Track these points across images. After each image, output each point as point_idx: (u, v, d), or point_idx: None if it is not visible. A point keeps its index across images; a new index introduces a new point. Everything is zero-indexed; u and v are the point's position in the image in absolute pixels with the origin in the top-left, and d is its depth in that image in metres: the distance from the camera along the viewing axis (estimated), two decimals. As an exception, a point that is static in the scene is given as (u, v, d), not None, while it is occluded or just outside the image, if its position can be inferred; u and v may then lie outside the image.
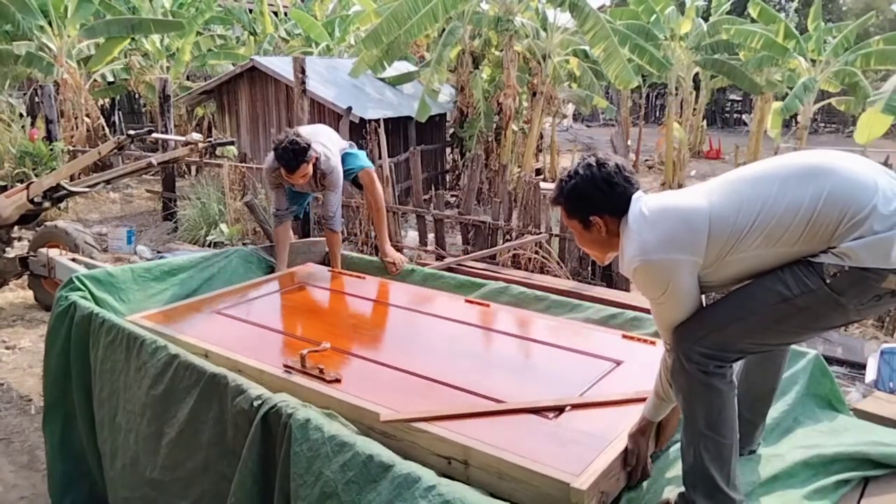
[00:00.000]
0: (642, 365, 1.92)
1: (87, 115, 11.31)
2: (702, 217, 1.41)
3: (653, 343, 2.06)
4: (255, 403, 1.60)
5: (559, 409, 1.68)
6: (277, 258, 3.16)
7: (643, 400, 1.69)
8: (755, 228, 1.37)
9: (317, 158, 2.98)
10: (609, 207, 1.51)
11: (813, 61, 11.05)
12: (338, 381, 1.83)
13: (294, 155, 2.85)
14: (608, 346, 2.06)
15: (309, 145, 2.90)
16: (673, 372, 1.49)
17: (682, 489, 1.52)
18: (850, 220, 1.31)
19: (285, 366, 1.91)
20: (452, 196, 9.93)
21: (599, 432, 1.58)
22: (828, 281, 1.33)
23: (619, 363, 1.94)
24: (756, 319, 1.40)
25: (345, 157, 3.32)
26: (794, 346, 2.01)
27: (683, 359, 1.44)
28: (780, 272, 1.39)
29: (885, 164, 5.03)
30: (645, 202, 1.49)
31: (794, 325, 1.41)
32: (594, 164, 1.52)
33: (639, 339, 2.10)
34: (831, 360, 3.85)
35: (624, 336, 2.13)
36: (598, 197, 1.50)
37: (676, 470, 1.64)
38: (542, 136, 12.47)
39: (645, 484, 1.60)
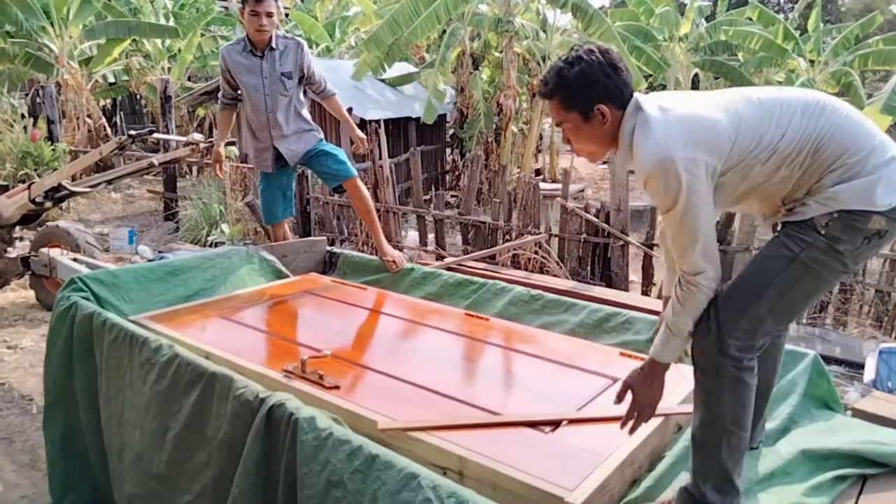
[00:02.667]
0: None
1: (89, 116, 11.34)
2: (724, 122, 1.40)
3: None
4: (261, 395, 1.62)
5: (555, 424, 1.68)
6: (219, 135, 3.38)
7: None
8: (777, 146, 1.40)
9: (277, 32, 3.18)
10: (614, 95, 1.44)
11: (812, 62, 11.07)
12: (337, 387, 1.84)
13: None
14: (605, 364, 2.06)
15: None
16: (703, 370, 1.48)
17: (685, 483, 1.52)
18: (847, 158, 1.38)
19: (285, 370, 1.92)
20: (452, 196, 9.95)
21: (595, 447, 1.57)
22: (822, 231, 1.40)
23: (615, 380, 1.92)
24: (773, 291, 1.42)
25: (327, 156, 3.34)
26: (792, 348, 2.03)
27: (718, 356, 1.44)
28: (777, 238, 1.46)
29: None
30: (659, 101, 1.45)
31: (807, 286, 1.44)
32: (596, 49, 1.45)
33: (636, 358, 2.09)
34: (830, 360, 3.86)
35: (621, 354, 2.13)
36: (603, 82, 1.43)
37: (673, 469, 1.65)
38: (541, 137, 12.50)
39: (643, 484, 1.60)
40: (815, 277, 1.43)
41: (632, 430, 1.54)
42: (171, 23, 12.06)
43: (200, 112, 13.12)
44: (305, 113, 3.38)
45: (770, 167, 1.42)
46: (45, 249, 4.46)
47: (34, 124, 8.99)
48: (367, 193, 3.44)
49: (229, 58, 3.22)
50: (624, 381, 1.54)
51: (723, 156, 1.39)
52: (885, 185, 1.37)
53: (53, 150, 8.14)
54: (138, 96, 13.97)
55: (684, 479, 1.60)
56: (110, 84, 12.64)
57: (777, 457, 1.69)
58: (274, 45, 3.18)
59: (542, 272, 4.90)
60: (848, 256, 1.41)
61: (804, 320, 4.64)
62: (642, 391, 1.51)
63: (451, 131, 11.64)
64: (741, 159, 1.41)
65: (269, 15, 3.06)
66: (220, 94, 3.41)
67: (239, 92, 3.31)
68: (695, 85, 15.10)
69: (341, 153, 3.42)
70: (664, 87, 14.32)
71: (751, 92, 1.48)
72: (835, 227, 1.39)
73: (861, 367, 3.51)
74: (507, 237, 5.25)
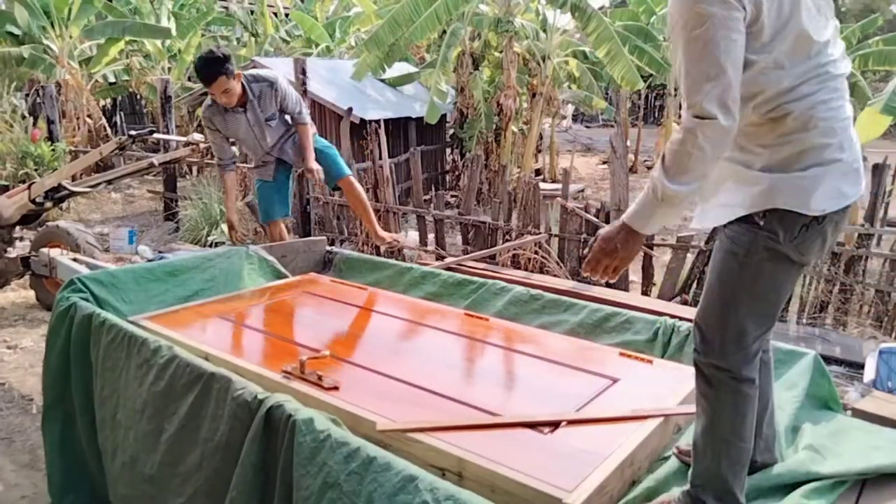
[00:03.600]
0: (639, 383, 1.92)
1: (89, 116, 11.35)
2: None
3: (650, 362, 2.06)
4: (260, 397, 1.62)
5: (554, 425, 1.67)
6: (228, 202, 3.30)
7: (640, 418, 1.68)
8: (783, 60, 1.28)
9: (244, 78, 3.12)
10: None
11: (813, 62, 11.05)
12: (335, 388, 1.84)
13: (207, 64, 2.93)
14: (605, 364, 2.06)
15: (229, 56, 2.98)
16: (705, 380, 1.45)
17: (686, 487, 1.51)
18: (816, 136, 1.30)
19: (284, 371, 1.92)
20: (452, 196, 9.94)
21: (594, 448, 1.57)
22: (761, 223, 1.35)
23: (615, 381, 1.93)
24: (741, 299, 1.40)
25: (321, 154, 3.40)
26: (792, 348, 2.03)
27: (715, 370, 1.42)
28: (723, 242, 1.42)
29: (885, 163, 5.04)
30: None
31: (768, 284, 1.39)
32: None
33: (636, 358, 2.09)
34: (830, 360, 3.85)
35: (621, 354, 2.13)
36: None
37: (672, 470, 1.65)
38: (541, 137, 12.48)
39: (642, 485, 1.60)
40: (770, 274, 1.39)
41: (587, 273, 1.45)
42: (172, 23, 12.09)
43: (200, 112, 13.11)
44: (280, 78, 3.43)
45: (757, 79, 1.27)
46: (45, 249, 4.46)
47: (34, 124, 9.00)
48: (361, 190, 3.50)
49: (216, 119, 3.25)
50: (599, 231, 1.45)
51: (748, 17, 1.22)
52: (824, 190, 1.32)
53: (53, 150, 8.15)
54: (138, 96, 13.98)
55: (684, 481, 1.60)
56: (110, 84, 12.66)
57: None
58: (249, 95, 3.19)
59: (542, 272, 4.90)
60: (788, 247, 1.37)
61: (804, 320, 4.64)
62: (601, 244, 1.41)
63: (451, 131, 11.64)
64: (753, 39, 1.25)
65: (226, 92, 3.06)
66: (216, 160, 3.36)
67: (233, 146, 3.39)
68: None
69: (334, 152, 3.45)
70: (664, 87, 14.32)
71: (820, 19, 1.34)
72: (771, 219, 1.34)
73: (861, 367, 3.51)
74: (507, 237, 5.25)
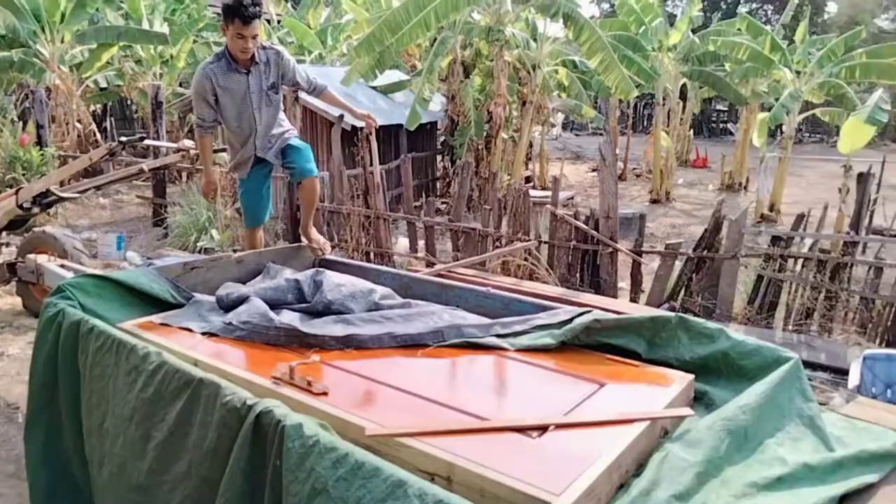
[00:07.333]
0: (626, 387, 1.93)
1: (79, 121, 11.30)
2: None
3: (636, 366, 2.08)
4: (249, 402, 1.61)
5: (542, 429, 1.68)
6: (207, 163, 3.28)
7: (627, 421, 1.69)
8: None
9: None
10: None
11: (798, 73, 11.21)
12: (325, 393, 1.84)
13: (255, 2, 2.91)
14: (592, 368, 2.07)
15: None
16: None
17: None
18: None
19: (273, 377, 1.92)
20: (443, 203, 9.97)
21: (582, 452, 1.57)
22: None
23: (602, 385, 1.94)
24: None
25: (295, 151, 3.42)
26: (776, 347, 2.03)
27: None
28: None
29: (869, 172, 5.11)
30: None
31: None
32: None
33: (622, 362, 2.11)
34: (815, 366, 3.90)
35: (608, 358, 2.14)
36: None
37: (660, 473, 1.66)
38: (531, 145, 12.57)
39: (630, 489, 1.60)
40: None
41: None
42: (165, 28, 12.06)
43: (191, 118, 13.07)
44: (283, 115, 3.47)
45: None
46: (32, 255, 4.42)
47: (23, 129, 8.93)
48: (318, 191, 3.61)
49: (215, 79, 3.15)
50: None
51: None
52: None
53: (42, 155, 8.10)
54: (129, 102, 13.95)
55: (673, 482, 1.61)
56: (101, 89, 12.61)
57: (782, 463, 1.69)
58: (257, 59, 3.15)
59: (531, 279, 4.93)
60: None
61: (790, 327, 4.69)
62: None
63: (442, 139, 11.69)
64: None
65: (255, 37, 3.02)
66: (197, 120, 3.27)
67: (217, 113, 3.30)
68: (683, 94, 15.28)
69: (308, 150, 3.48)
70: (653, 97, 14.46)
71: None
72: None
73: (846, 373, 3.55)
74: (497, 244, 5.28)
